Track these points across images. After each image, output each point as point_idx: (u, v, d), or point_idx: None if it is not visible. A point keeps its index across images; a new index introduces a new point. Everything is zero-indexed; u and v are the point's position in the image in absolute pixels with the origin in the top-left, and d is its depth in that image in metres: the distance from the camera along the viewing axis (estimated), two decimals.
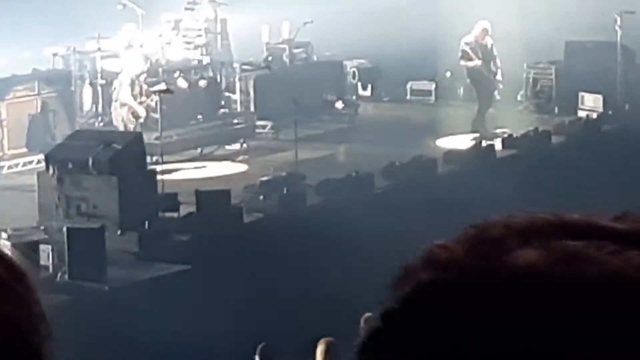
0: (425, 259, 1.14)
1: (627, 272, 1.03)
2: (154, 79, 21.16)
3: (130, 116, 20.62)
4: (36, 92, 20.75)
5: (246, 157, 21.06)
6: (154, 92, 20.65)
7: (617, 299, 1.03)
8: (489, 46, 22.34)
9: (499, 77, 22.70)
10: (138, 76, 20.94)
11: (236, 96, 22.31)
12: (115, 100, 20.94)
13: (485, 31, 22.19)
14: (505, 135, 21.14)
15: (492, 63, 22.35)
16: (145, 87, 20.97)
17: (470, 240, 1.11)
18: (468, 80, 23.18)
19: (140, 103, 20.72)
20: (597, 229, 1.08)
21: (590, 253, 1.04)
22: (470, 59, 22.32)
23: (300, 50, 23.72)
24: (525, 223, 1.10)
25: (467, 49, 22.33)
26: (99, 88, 21.73)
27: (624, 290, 1.03)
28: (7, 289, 1.25)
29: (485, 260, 1.07)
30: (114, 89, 21.00)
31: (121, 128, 20.56)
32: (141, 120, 20.76)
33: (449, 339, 1.05)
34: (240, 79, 22.46)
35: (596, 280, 1.03)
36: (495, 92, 22.73)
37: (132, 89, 20.71)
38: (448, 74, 24.42)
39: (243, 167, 20.49)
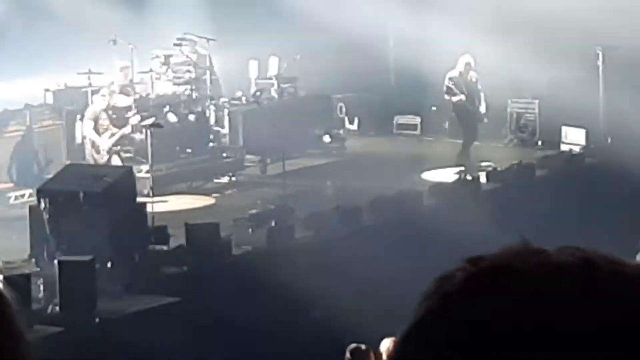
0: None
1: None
2: (144, 113, 21.11)
3: (93, 151, 20.60)
4: (27, 126, 20.77)
5: (235, 190, 21.09)
6: (144, 127, 20.50)
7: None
8: (474, 80, 22.43)
9: (482, 111, 22.76)
10: (105, 109, 20.89)
11: (225, 130, 22.28)
12: (84, 137, 20.94)
13: (469, 66, 22.30)
14: (490, 169, 21.17)
15: (476, 98, 22.44)
16: (107, 122, 20.86)
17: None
18: (453, 115, 23.16)
19: (112, 136, 20.67)
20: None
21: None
22: (455, 94, 22.39)
23: (288, 85, 23.72)
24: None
25: (451, 84, 22.41)
26: (91, 123, 21.41)
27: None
28: None
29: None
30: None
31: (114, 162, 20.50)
32: (104, 155, 20.66)
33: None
34: (229, 114, 22.45)
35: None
36: (480, 126, 22.75)
37: (95, 124, 20.61)
38: (433, 108, 24.43)
39: (231, 200, 20.40)
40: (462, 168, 21.55)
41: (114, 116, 21.27)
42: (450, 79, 22.38)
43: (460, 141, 22.53)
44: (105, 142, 20.76)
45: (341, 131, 24.31)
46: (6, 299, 1.34)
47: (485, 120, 23.02)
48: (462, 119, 22.67)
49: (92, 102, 21.77)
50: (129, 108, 21.41)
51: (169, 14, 24.34)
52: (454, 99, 22.46)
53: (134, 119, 20.80)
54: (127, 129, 20.88)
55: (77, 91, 22.22)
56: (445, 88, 22.57)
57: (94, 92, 21.78)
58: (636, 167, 19.85)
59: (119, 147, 21.50)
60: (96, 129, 20.84)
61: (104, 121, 20.86)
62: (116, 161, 20.88)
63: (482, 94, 22.61)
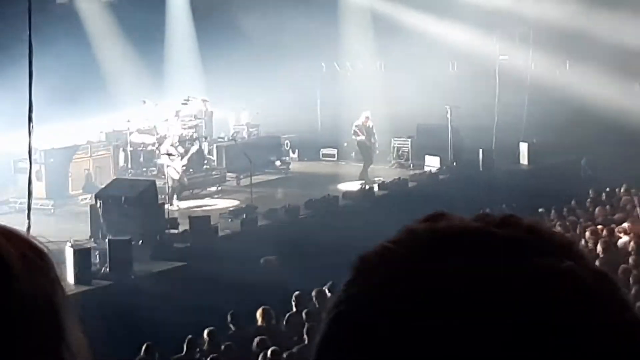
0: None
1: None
2: (165, 149, 20.69)
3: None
4: (89, 155, 20.71)
5: (220, 195, 20.91)
6: (164, 155, 20.34)
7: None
8: (370, 127, 22.42)
9: (376, 146, 22.79)
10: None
11: (214, 157, 22.21)
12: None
13: (367, 118, 22.33)
14: (380, 182, 21.10)
15: (372, 137, 22.47)
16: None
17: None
18: (357, 148, 23.06)
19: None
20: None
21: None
22: (358, 135, 22.48)
23: (254, 129, 23.67)
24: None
25: (357, 129, 22.52)
26: (129, 153, 21.47)
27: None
28: (33, 262, 1.09)
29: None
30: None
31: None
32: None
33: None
34: (216, 147, 22.36)
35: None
36: (374, 156, 22.57)
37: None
38: (345, 144, 24.25)
39: (218, 202, 20.32)
40: (363, 181, 21.50)
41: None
42: (355, 125, 22.45)
43: (362, 165, 22.37)
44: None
45: (287, 158, 24.00)
46: (48, 257, 1.13)
47: (377, 151, 22.99)
48: (363, 151, 22.53)
49: (129, 141, 21.52)
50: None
51: (179, 84, 24.30)
52: (358, 138, 22.50)
53: (163, 149, 20.40)
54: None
55: (119, 133, 21.93)
56: (352, 131, 22.64)
57: (130, 134, 21.55)
58: (469, 181, 20.44)
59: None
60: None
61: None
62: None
63: (375, 136, 22.62)
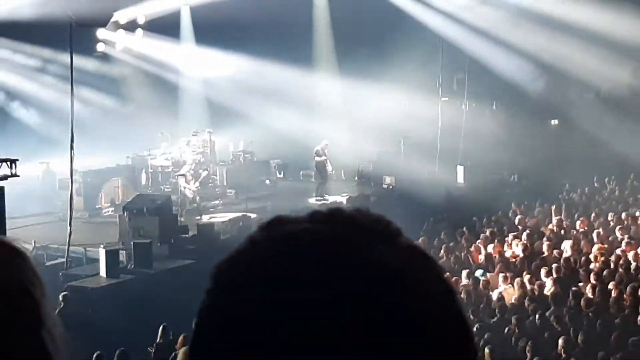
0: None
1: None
2: (177, 170, 20.79)
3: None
4: (116, 177, 20.49)
5: (221, 207, 20.56)
6: (178, 176, 20.24)
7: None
8: (327, 152, 21.64)
9: (331, 167, 21.90)
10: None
11: (217, 178, 22.00)
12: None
13: (326, 144, 21.66)
14: (347, 196, 21.00)
15: (327, 160, 21.63)
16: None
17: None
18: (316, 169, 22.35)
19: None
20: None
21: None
22: (320, 157, 21.63)
23: (249, 155, 23.35)
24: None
25: (317, 152, 21.69)
26: (149, 174, 21.36)
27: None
28: (7, 260, 1.03)
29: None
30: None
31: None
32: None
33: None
34: (219, 169, 22.15)
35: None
36: (329, 175, 21.82)
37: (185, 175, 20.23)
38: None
39: (220, 213, 20.02)
40: (319, 197, 20.97)
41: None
42: (316, 150, 21.70)
43: (324, 183, 21.77)
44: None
45: (274, 177, 23.77)
46: (26, 255, 1.08)
47: (333, 172, 22.32)
48: (320, 170, 21.74)
49: (150, 164, 21.41)
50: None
51: (189, 119, 24.30)
52: (317, 159, 21.76)
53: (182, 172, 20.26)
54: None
55: (142, 158, 21.81)
56: (314, 152, 21.82)
57: (151, 158, 21.49)
58: (417, 195, 19.93)
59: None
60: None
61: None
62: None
63: (330, 159, 21.78)
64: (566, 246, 14.65)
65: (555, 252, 14.48)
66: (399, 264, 0.80)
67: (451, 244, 15.36)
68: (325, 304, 0.77)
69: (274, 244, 0.84)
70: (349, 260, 0.79)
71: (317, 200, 20.90)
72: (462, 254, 14.80)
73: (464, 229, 16.55)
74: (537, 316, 10.71)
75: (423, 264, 0.83)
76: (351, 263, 0.79)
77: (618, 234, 15.60)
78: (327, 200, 20.76)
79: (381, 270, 0.79)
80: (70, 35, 15.78)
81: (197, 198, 20.23)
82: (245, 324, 0.78)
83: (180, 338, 10.12)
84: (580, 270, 13.01)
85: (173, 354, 9.80)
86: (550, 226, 16.94)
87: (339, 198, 21.04)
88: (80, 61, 16.15)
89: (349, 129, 24.82)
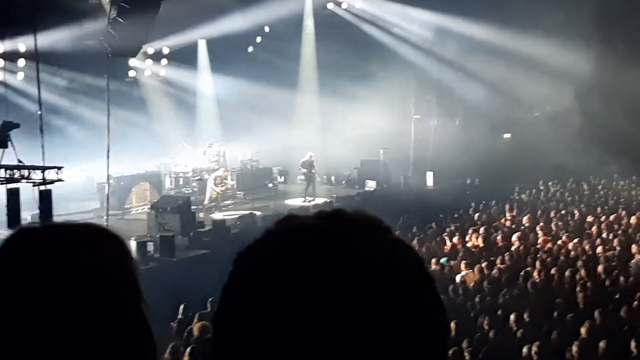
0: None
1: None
2: (196, 175, 20.67)
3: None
4: (144, 181, 20.26)
5: (232, 206, 20.40)
6: (195, 180, 20.20)
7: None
8: (312, 161, 21.17)
9: (316, 175, 21.58)
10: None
11: (229, 181, 21.65)
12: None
13: (310, 156, 21.28)
14: (335, 196, 20.82)
15: (312, 169, 21.20)
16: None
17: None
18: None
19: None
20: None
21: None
22: (305, 168, 21.24)
23: (255, 162, 23.22)
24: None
25: (301, 163, 21.29)
26: (172, 178, 21.24)
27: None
28: (119, 247, 1.04)
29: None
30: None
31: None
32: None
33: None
34: (230, 174, 21.84)
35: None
36: (314, 181, 21.37)
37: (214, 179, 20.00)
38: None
39: (231, 210, 19.87)
40: (305, 197, 20.82)
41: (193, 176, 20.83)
42: (301, 161, 21.31)
43: (310, 187, 21.37)
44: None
45: (276, 182, 23.58)
46: (128, 244, 1.07)
47: (318, 179, 22.06)
48: (306, 178, 21.31)
49: (173, 171, 21.24)
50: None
51: (205, 132, 24.08)
52: (302, 170, 21.39)
53: (211, 178, 20.01)
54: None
55: (166, 165, 21.66)
56: (300, 164, 21.37)
57: (174, 165, 21.30)
58: (395, 196, 20.17)
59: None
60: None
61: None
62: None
63: (315, 167, 21.38)
64: (516, 238, 14.66)
65: (507, 242, 14.50)
66: (388, 253, 0.81)
67: (422, 236, 15.35)
68: (327, 282, 0.77)
69: (285, 234, 0.84)
70: (346, 249, 0.80)
71: (304, 201, 20.70)
72: (431, 244, 14.79)
73: (433, 224, 16.47)
74: (492, 296, 10.70)
75: (407, 254, 0.84)
76: (349, 251, 0.79)
77: (560, 227, 15.62)
78: (313, 200, 20.55)
79: (373, 257, 0.80)
80: (107, 64, 15.77)
81: (219, 198, 20.13)
82: (261, 298, 0.78)
83: (197, 315, 10.00)
84: (528, 258, 13.01)
85: (189, 328, 9.65)
86: (503, 221, 16.92)
87: (327, 199, 20.85)
88: (114, 85, 16.09)
89: (340, 142, 24.76)
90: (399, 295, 0.78)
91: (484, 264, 12.52)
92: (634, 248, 12.73)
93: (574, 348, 7.88)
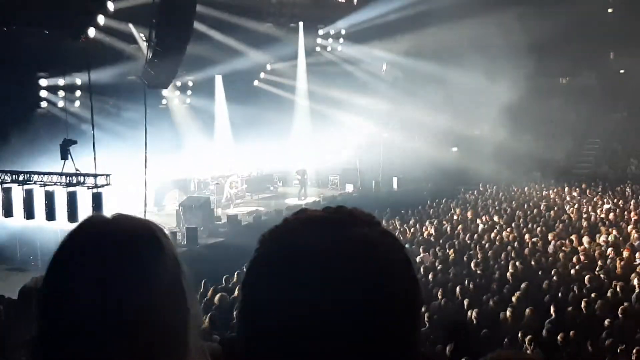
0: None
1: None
2: (215, 180, 20.43)
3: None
4: (176, 186, 20.01)
5: (242, 204, 20.16)
6: (214, 184, 19.92)
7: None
8: (304, 170, 21.27)
9: (308, 180, 21.52)
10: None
11: (240, 184, 21.44)
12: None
13: (303, 166, 21.32)
14: (322, 196, 20.60)
15: (304, 176, 21.22)
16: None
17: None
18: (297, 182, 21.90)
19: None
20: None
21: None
22: (299, 175, 21.36)
23: (259, 170, 22.90)
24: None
25: (296, 172, 21.51)
26: (196, 183, 20.90)
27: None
28: (168, 238, 0.95)
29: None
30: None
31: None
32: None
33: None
34: (242, 180, 21.53)
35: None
36: (307, 185, 21.09)
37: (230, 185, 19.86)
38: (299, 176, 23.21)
39: (241, 207, 19.67)
40: (304, 198, 20.69)
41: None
42: (297, 170, 21.38)
43: (303, 189, 21.29)
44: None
45: (276, 185, 23.39)
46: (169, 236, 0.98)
47: (309, 183, 21.80)
48: (301, 183, 21.29)
49: (196, 178, 20.73)
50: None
51: (221, 147, 23.44)
52: (297, 176, 21.40)
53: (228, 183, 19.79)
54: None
55: (190, 174, 21.21)
56: (295, 172, 21.52)
57: (197, 174, 21.05)
58: (368, 197, 20.00)
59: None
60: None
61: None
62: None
63: (307, 173, 21.35)
64: (461, 228, 14.69)
65: (454, 231, 14.50)
66: (376, 239, 0.81)
67: (390, 228, 15.34)
68: (328, 258, 0.77)
69: (298, 222, 0.83)
70: (344, 234, 0.80)
71: (298, 200, 20.43)
72: (396, 233, 14.79)
73: (396, 218, 16.71)
74: (443, 272, 10.75)
75: (392, 241, 0.83)
76: (346, 237, 0.79)
77: (495, 219, 15.65)
78: (305, 200, 20.30)
79: (365, 243, 0.80)
80: (144, 94, 15.77)
81: (233, 198, 19.91)
82: (279, 270, 0.78)
83: (211, 288, 9.93)
84: (471, 244, 13.05)
85: (206, 298, 9.54)
86: (451, 215, 16.90)
87: (316, 198, 20.56)
88: (150, 110, 16.04)
89: (326, 155, 24.56)
90: (388, 270, 0.78)
91: (437, 248, 12.54)
92: (550, 235, 12.97)
93: (507, 313, 7.94)
